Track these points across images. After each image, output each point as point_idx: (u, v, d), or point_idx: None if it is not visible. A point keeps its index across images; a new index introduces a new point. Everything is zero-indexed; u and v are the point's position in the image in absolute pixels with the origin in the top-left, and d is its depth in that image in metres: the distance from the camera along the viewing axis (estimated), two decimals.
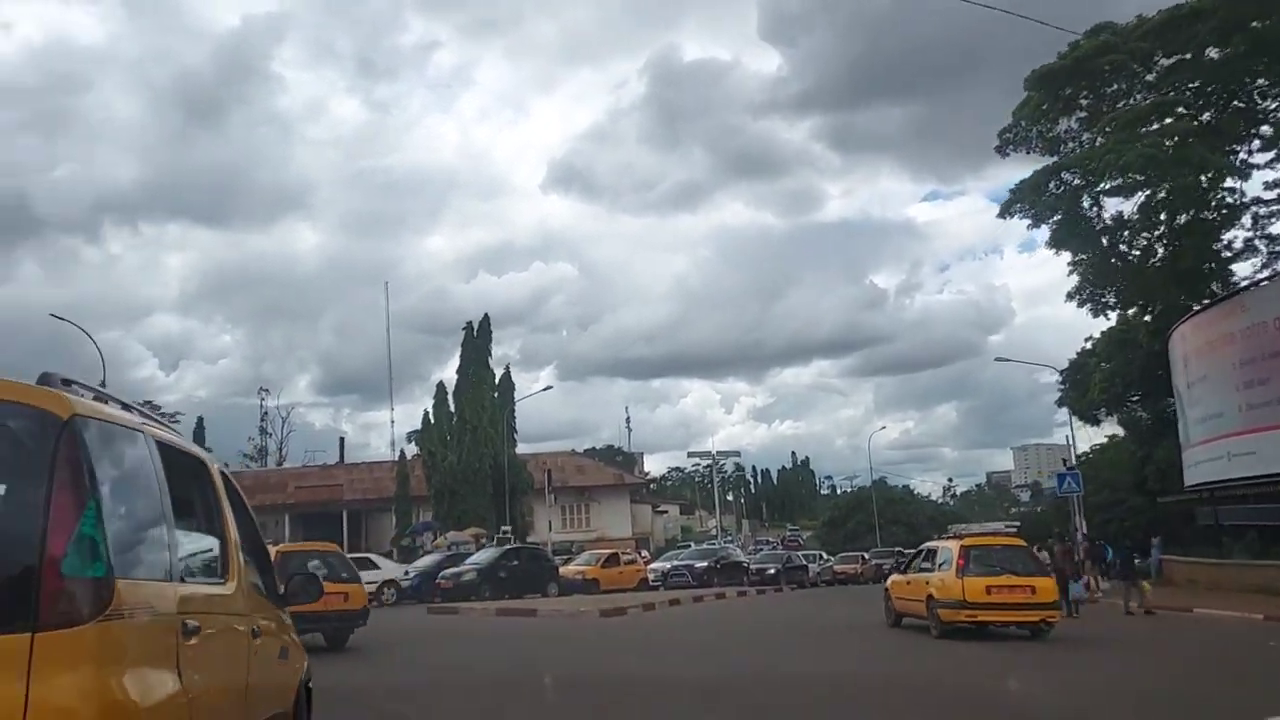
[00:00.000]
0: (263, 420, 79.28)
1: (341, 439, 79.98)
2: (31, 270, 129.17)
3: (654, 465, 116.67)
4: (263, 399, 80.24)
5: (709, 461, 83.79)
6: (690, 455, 46.23)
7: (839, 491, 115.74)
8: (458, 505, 47.07)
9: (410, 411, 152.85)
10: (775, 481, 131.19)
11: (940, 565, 15.96)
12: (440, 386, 52.16)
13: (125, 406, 3.41)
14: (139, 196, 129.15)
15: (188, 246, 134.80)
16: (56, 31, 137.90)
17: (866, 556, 45.38)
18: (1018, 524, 23.90)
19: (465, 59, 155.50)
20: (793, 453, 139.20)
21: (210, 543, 3.89)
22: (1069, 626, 17.17)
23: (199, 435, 65.11)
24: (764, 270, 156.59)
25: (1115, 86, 29.40)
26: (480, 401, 49.71)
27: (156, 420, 3.74)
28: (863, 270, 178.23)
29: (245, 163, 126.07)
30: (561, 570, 32.80)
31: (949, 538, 18.70)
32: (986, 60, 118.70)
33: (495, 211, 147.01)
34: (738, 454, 68.04)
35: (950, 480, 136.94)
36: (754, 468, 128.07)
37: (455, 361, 52.46)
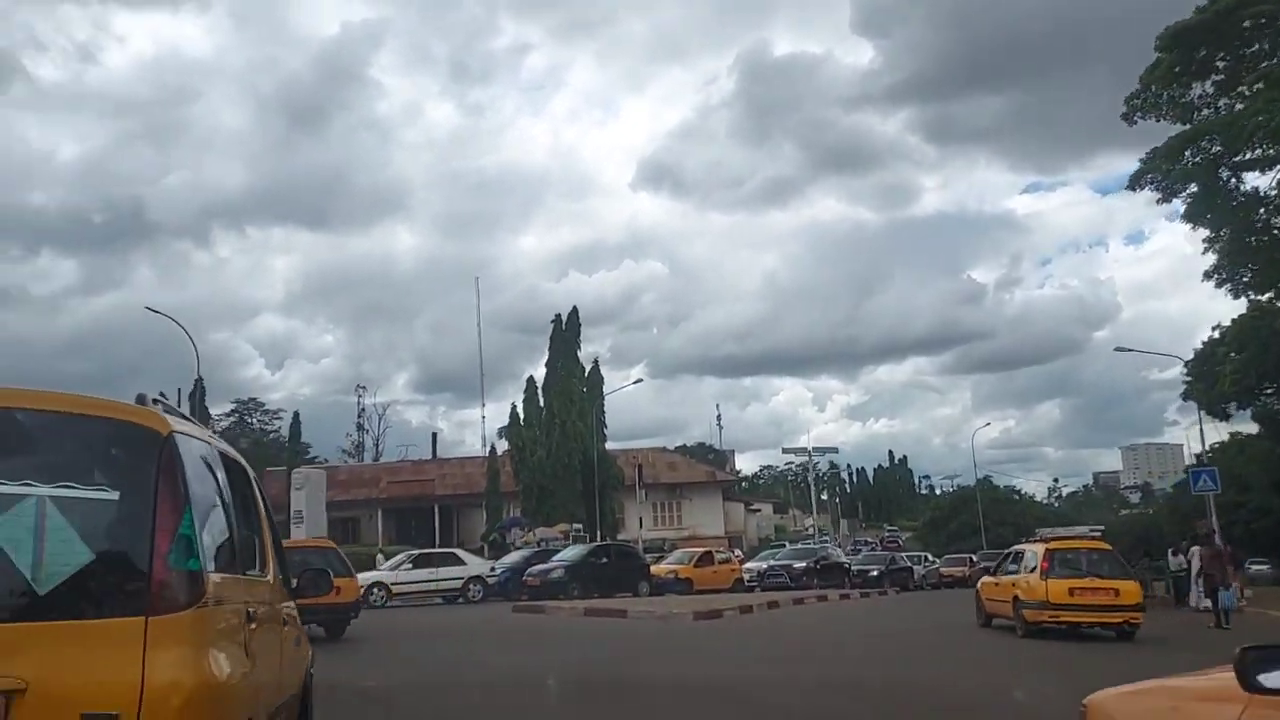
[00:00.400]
0: (360, 417, 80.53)
1: (434, 434, 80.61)
2: (146, 274, 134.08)
3: (745, 464, 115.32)
4: (360, 396, 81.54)
5: (804, 459, 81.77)
6: (785, 452, 44.93)
7: (938, 492, 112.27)
8: (547, 501, 46.22)
9: (503, 409, 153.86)
10: (871, 480, 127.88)
11: (1026, 567, 16.57)
12: (530, 381, 51.49)
13: (187, 419, 3.90)
14: (246, 202, 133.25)
15: (292, 249, 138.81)
16: (168, 45, 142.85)
17: (974, 559, 43.03)
18: (1102, 528, 22.17)
19: (557, 61, 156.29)
20: (890, 451, 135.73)
21: (252, 538, 4.36)
22: (1220, 638, 15.71)
23: (295, 431, 65.69)
24: (857, 266, 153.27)
25: (1257, 47, 26.76)
26: (569, 395, 48.81)
27: (212, 431, 4.59)
28: (960, 265, 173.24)
29: (345, 167, 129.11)
30: (653, 569, 31.52)
31: (1035, 540, 18.51)
32: (1090, 43, 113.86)
33: (585, 211, 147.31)
34: (835, 450, 65.88)
35: (1055, 481, 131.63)
36: (849, 466, 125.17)
37: (545, 356, 51.79)
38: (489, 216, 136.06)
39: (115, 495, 3.13)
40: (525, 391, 51.22)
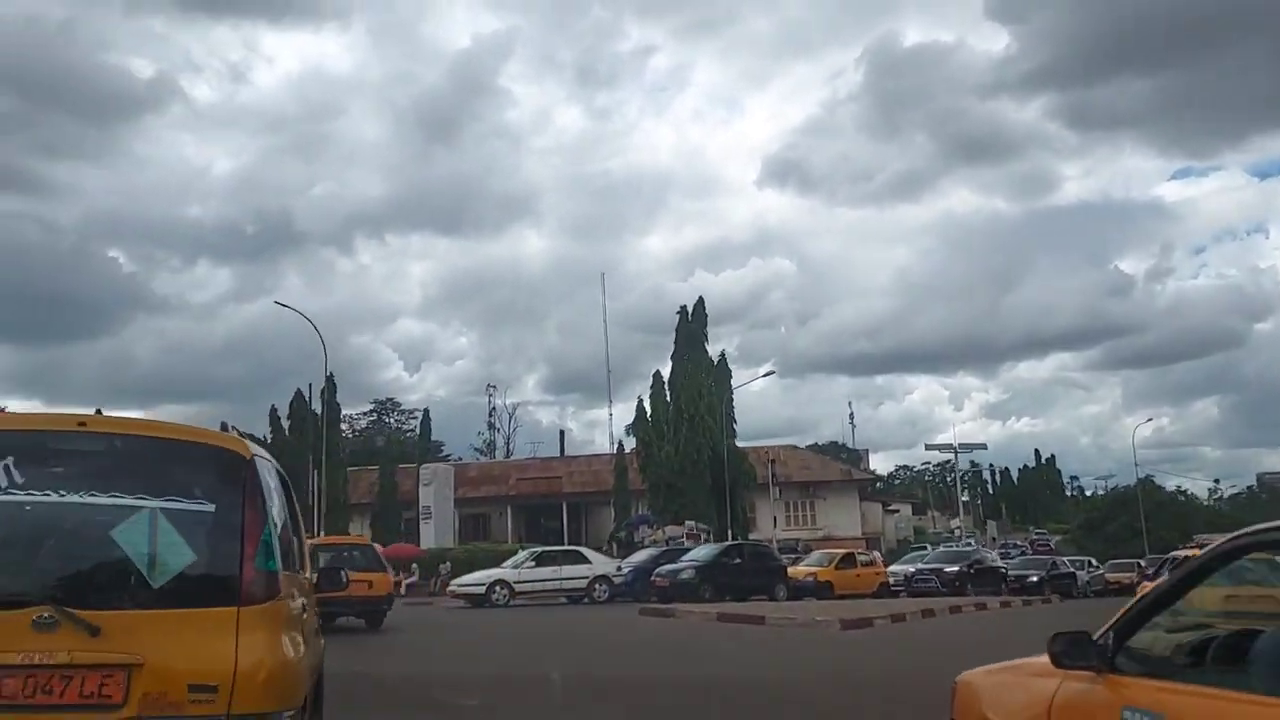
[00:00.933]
0: (490, 415, 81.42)
1: (562, 432, 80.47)
2: (294, 281, 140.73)
3: (879, 464, 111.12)
4: (490, 395, 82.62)
5: (943, 457, 77.91)
6: (929, 448, 42.22)
7: (1088, 493, 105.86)
8: (676, 499, 44.51)
9: (631, 409, 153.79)
10: (1015, 481, 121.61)
11: None
12: (656, 376, 49.90)
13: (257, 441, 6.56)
14: (385, 211, 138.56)
15: (428, 255, 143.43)
16: (312, 63, 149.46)
17: (1143, 564, 39.24)
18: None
19: (680, 61, 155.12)
20: (1036, 450, 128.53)
21: (296, 541, 5.05)
22: None
23: (425, 428, 66.09)
24: (994, 258, 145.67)
25: None
26: (696, 389, 46.96)
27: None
28: (1105, 255, 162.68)
29: (478, 174, 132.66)
30: (789, 570, 29.41)
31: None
32: (1244, 18, 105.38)
33: (711, 209, 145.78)
34: (984, 446, 61.40)
35: (1216, 482, 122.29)
36: (990, 466, 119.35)
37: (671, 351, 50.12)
38: (615, 218, 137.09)
39: (211, 508, 3.85)
40: (652, 387, 49.68)
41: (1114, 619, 3.21)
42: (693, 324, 48.83)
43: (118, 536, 3.71)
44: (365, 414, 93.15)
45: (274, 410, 56.05)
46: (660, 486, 45.44)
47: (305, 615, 4.54)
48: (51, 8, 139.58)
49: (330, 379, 49.66)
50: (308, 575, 5.31)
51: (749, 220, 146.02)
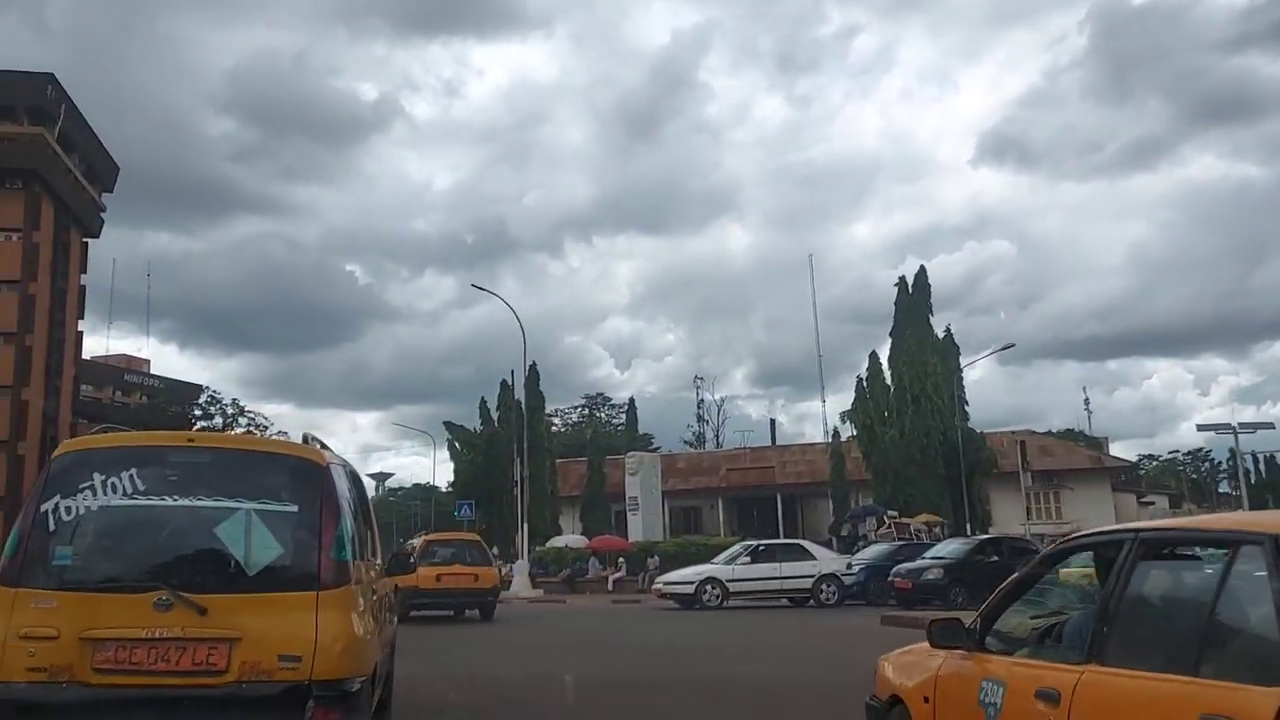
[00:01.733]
0: (699, 408, 79.89)
1: (772, 420, 77.55)
2: (511, 285, 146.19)
3: (1120, 453, 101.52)
4: (698, 387, 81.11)
5: (1200, 444, 69.15)
6: (1202, 429, 36.23)
7: None
8: (904, 488, 40.26)
9: (843, 400, 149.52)
10: None
11: None
12: (873, 357, 45.67)
13: (324, 447, 5.79)
14: (592, 213, 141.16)
15: (634, 255, 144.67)
16: (519, 72, 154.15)
17: None
18: None
19: (886, 40, 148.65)
20: None
21: (367, 534, 6.01)
22: None
23: (631, 417, 64.82)
24: (1245, 229, 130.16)
25: None
26: (921, 366, 42.46)
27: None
28: None
29: (680, 171, 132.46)
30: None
31: None
32: None
33: (921, 193, 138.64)
34: (1270, 425, 52.46)
35: None
36: (1253, 454, 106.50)
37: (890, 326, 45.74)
38: (819, 208, 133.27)
39: (295, 508, 4.84)
40: (869, 369, 45.53)
41: (982, 608, 4.31)
42: (914, 296, 44.26)
43: (220, 533, 4.73)
44: (576, 408, 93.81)
45: (483, 402, 55.78)
46: (886, 475, 41.30)
47: (375, 597, 5.72)
48: (285, 42, 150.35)
49: (533, 368, 48.59)
50: (379, 563, 6.39)
51: (963, 202, 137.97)
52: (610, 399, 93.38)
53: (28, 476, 62.70)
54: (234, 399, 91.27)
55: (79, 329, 72.54)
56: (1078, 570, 4.42)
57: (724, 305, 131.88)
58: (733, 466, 59.95)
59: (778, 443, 68.16)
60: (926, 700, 4.44)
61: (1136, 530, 3.65)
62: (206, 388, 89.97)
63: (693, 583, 24.21)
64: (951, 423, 41.73)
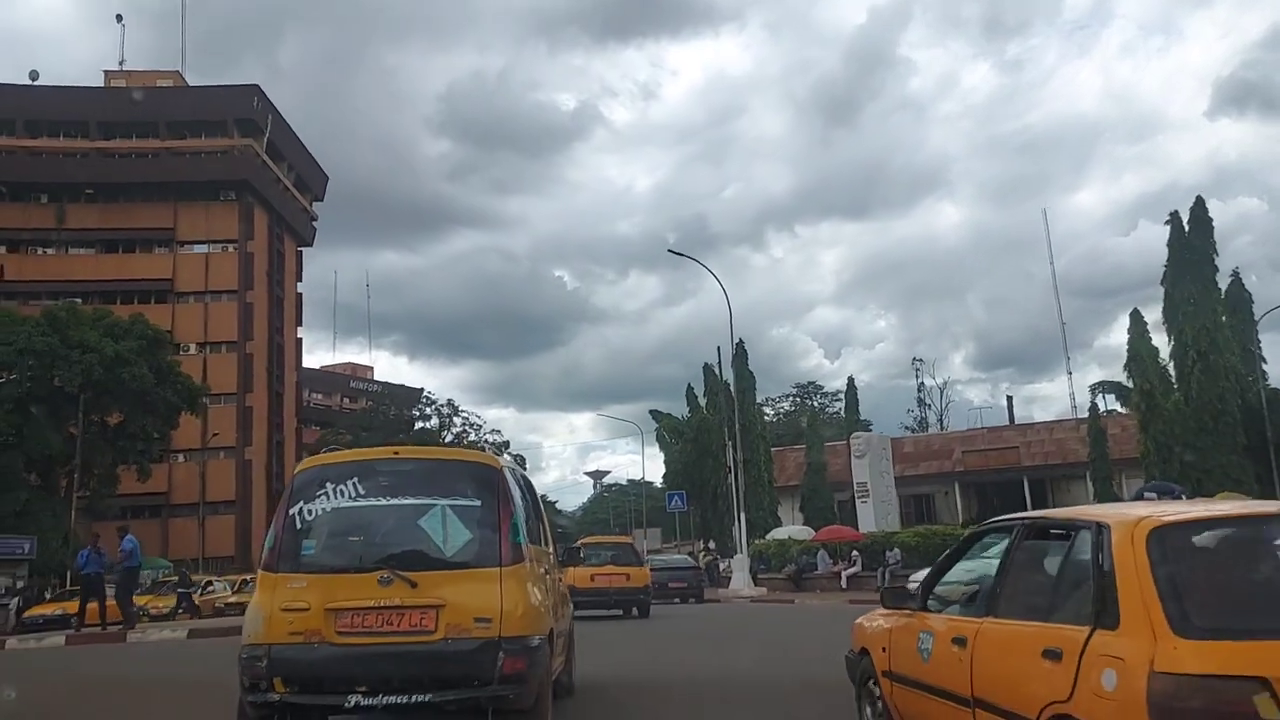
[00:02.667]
0: (919, 391, 74.30)
1: (1009, 398, 70.57)
2: (713, 282, 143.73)
3: None
4: (918, 370, 75.26)
5: None
6: None
7: None
8: (1195, 463, 33.52)
9: (1086, 377, 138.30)
10: None
11: None
12: (1135, 316, 38.71)
13: (498, 452, 14.28)
14: (793, 202, 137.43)
15: (838, 242, 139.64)
16: (713, 68, 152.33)
17: None
18: None
19: None
20: None
21: (539, 526, 7.15)
22: None
23: (850, 398, 59.71)
24: None
25: None
26: (1209, 317, 35.41)
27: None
28: None
29: (882, 152, 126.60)
30: None
31: None
32: None
33: (1151, 152, 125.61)
34: None
35: None
36: None
37: (1121, 323, 38.68)
38: (1038, 177, 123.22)
39: (479, 503, 5.99)
40: (1130, 329, 38.65)
41: (924, 578, 5.61)
42: (1191, 236, 37.01)
43: (423, 524, 5.91)
44: (787, 396, 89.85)
45: (689, 389, 52.51)
46: (1170, 449, 34.56)
47: (547, 575, 6.88)
48: (490, 60, 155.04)
49: (740, 345, 44.68)
50: (551, 550, 7.77)
51: (1201, 157, 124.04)
52: (822, 387, 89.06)
53: (255, 480, 65.02)
54: (449, 400, 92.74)
55: (298, 335, 74.81)
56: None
57: (937, 287, 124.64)
58: (969, 449, 53.86)
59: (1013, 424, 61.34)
60: (884, 650, 5.67)
61: (1024, 518, 5.01)
62: (425, 391, 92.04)
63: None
64: (1249, 384, 34.62)
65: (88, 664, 13.61)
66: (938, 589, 5.36)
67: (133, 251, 61.35)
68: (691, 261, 39.61)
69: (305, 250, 74.28)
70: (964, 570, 5.38)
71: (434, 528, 5.88)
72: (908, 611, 5.47)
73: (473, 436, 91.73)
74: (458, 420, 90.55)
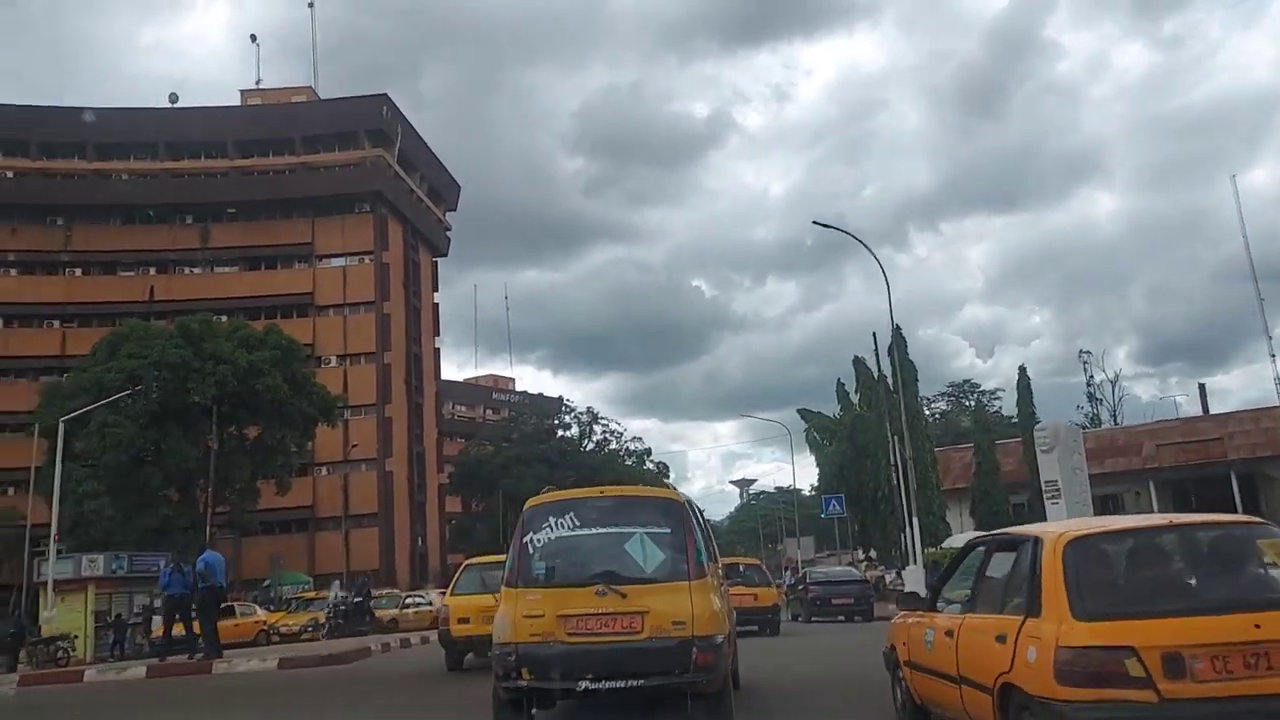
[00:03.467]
0: (1089, 386, 67.93)
1: (1201, 385, 63.38)
2: (854, 284, 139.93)
3: None
4: (1086, 362, 68.90)
5: None
6: None
7: None
8: None
9: (1254, 373, 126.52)
10: None
11: None
12: None
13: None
14: (936, 198, 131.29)
15: (986, 236, 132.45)
16: (847, 66, 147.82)
17: None
18: None
19: None
20: None
21: (710, 546, 8.08)
22: None
23: (1023, 388, 54.55)
24: None
25: None
26: None
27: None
28: None
29: (1030, 140, 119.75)
30: None
31: None
32: None
33: None
34: None
35: None
36: None
37: None
38: (1204, 158, 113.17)
39: (669, 530, 7.28)
40: None
41: (933, 583, 7.24)
42: None
43: (627, 548, 7.21)
44: (941, 395, 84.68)
45: (840, 384, 48.59)
46: None
47: (721, 587, 8.12)
48: (622, 75, 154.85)
49: (897, 331, 40.61)
50: (719, 568, 8.66)
51: None
52: (979, 385, 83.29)
53: (397, 492, 64.48)
54: (588, 408, 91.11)
55: (435, 345, 74.24)
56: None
57: (1096, 279, 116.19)
58: (1162, 442, 48.10)
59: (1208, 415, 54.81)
60: (904, 644, 7.08)
61: (995, 534, 6.71)
62: (564, 399, 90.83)
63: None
64: None
65: (159, 701, 11.56)
66: (945, 591, 6.79)
67: (274, 267, 61.71)
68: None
69: (441, 262, 73.79)
70: (961, 576, 6.67)
71: (635, 550, 7.23)
72: (921, 612, 6.97)
73: (613, 445, 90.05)
74: (597, 428, 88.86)
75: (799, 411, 49.07)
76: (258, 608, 35.20)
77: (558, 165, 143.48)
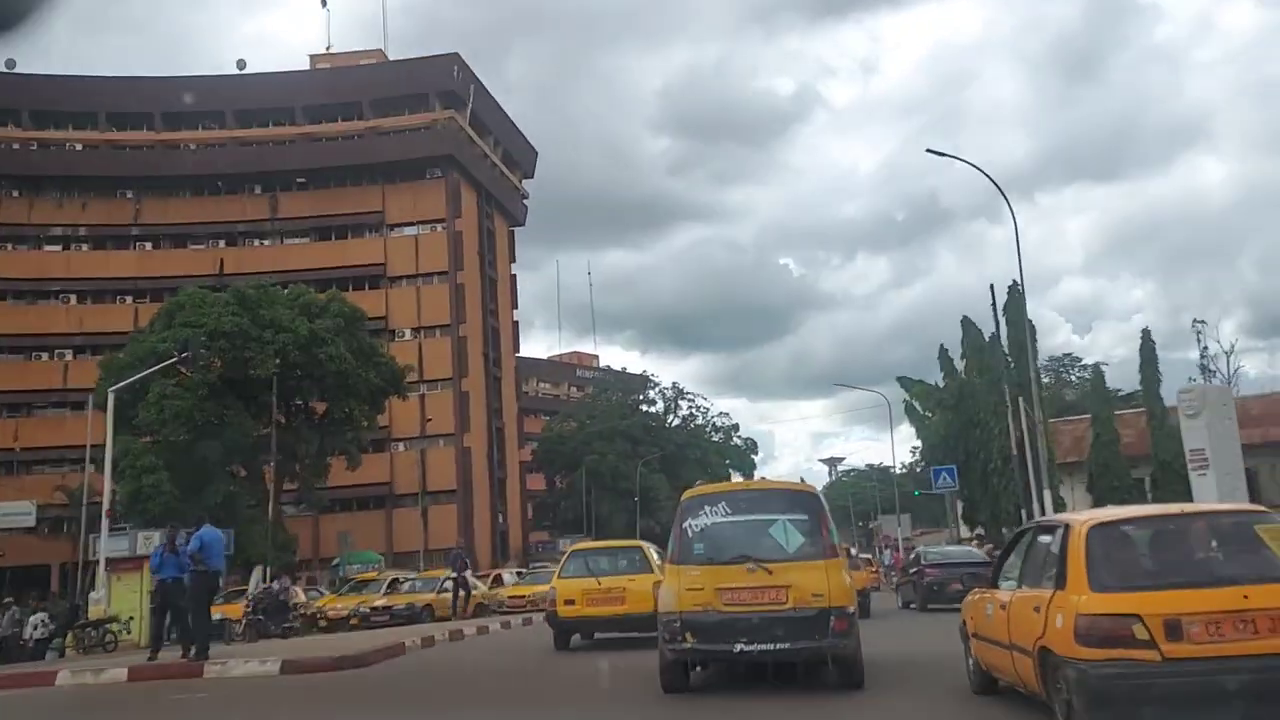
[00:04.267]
0: (1202, 358, 62.33)
1: None
2: (947, 259, 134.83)
3: None
4: (1199, 333, 63.21)
5: None
6: None
7: None
8: None
9: None
10: None
11: None
12: None
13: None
14: (1032, 169, 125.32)
15: (1085, 207, 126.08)
16: (938, 35, 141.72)
17: None
18: None
19: None
20: None
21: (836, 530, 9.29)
22: None
23: (1147, 352, 49.88)
24: None
25: None
26: None
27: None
28: None
29: (1131, 107, 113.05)
30: None
31: None
32: None
33: None
34: None
35: None
36: None
37: None
38: None
39: (806, 518, 8.48)
40: None
41: (996, 562, 8.25)
42: None
43: (772, 531, 8.42)
44: (1041, 368, 79.72)
45: (943, 350, 44.62)
46: None
47: (848, 565, 9.97)
48: (705, 51, 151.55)
49: (1013, 287, 36.58)
50: (845, 547, 12.10)
51: None
52: (1080, 359, 77.99)
53: (475, 468, 62.43)
54: (673, 384, 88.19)
55: (514, 319, 72.03)
56: None
57: (1202, 250, 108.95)
58: None
59: None
60: (972, 618, 8.03)
61: (1039, 520, 8.79)
62: (648, 374, 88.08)
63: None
64: None
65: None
66: (1004, 570, 7.59)
67: (345, 238, 59.96)
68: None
69: (526, 244, 71.44)
70: (1015, 556, 7.51)
71: (779, 534, 8.46)
72: (985, 590, 7.88)
73: (699, 420, 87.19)
74: (683, 404, 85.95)
75: (899, 380, 45.30)
76: (323, 590, 33.44)
77: (642, 146, 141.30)
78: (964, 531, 45.05)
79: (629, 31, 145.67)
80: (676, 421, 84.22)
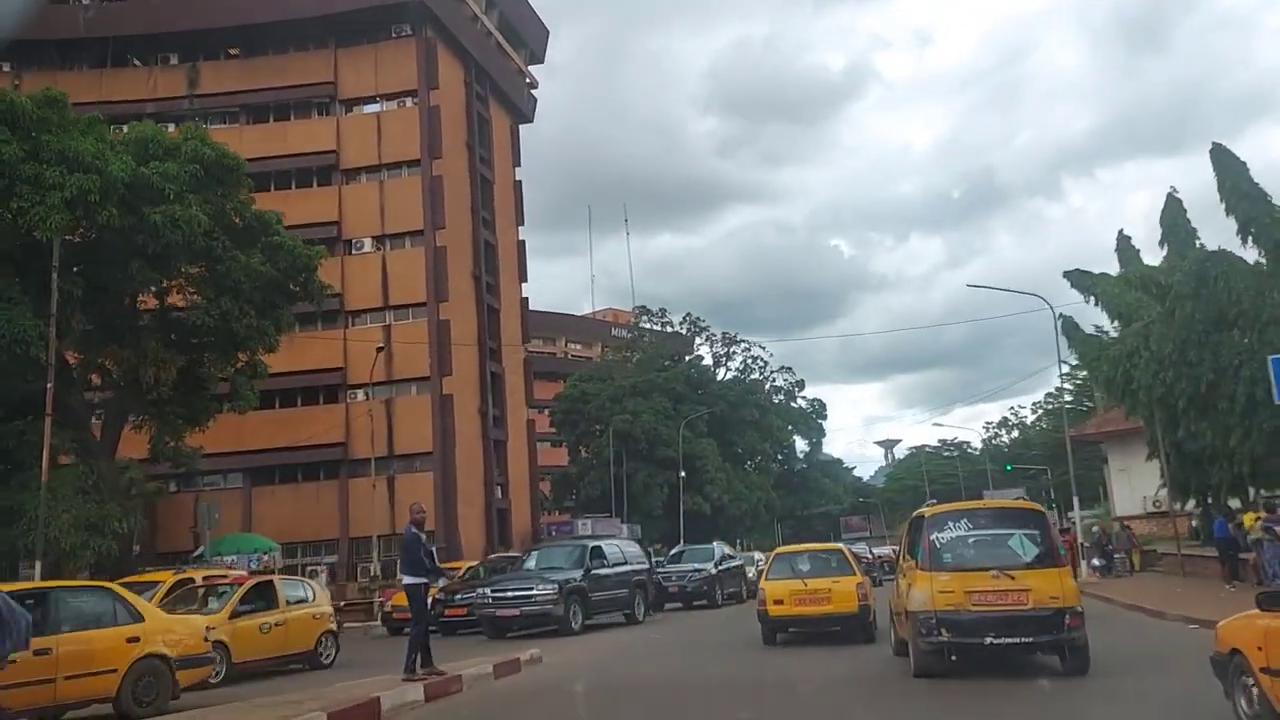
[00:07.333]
0: None
1: None
2: (1004, 239, 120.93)
3: None
4: None
5: None
6: None
7: None
8: None
9: None
10: None
11: None
12: None
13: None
14: (1093, 144, 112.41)
15: (1148, 182, 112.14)
16: (997, 5, 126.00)
17: None
18: None
19: None
20: None
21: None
22: None
23: None
24: None
25: None
26: None
27: None
28: None
29: (1198, 76, 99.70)
30: None
31: None
32: None
33: None
34: None
35: None
36: None
37: None
38: None
39: (1037, 532, 10.48)
40: None
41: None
42: None
43: (1010, 543, 10.26)
44: None
45: (1122, 234, 29.13)
46: None
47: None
48: (754, 28, 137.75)
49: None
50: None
51: None
52: None
53: (462, 425, 47.38)
54: (724, 332, 72.88)
55: (519, 237, 57.47)
56: None
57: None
58: None
59: None
60: (1260, 649, 6.77)
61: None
62: (697, 319, 73.10)
63: None
64: None
65: None
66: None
67: (286, 118, 45.45)
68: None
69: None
70: None
71: (1016, 545, 10.24)
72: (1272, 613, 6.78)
73: (755, 375, 72.28)
74: (737, 350, 71.00)
75: (1065, 275, 29.31)
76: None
77: (689, 127, 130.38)
78: (1176, 504, 29.82)
79: (674, 10, 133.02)
80: (729, 375, 69.42)
